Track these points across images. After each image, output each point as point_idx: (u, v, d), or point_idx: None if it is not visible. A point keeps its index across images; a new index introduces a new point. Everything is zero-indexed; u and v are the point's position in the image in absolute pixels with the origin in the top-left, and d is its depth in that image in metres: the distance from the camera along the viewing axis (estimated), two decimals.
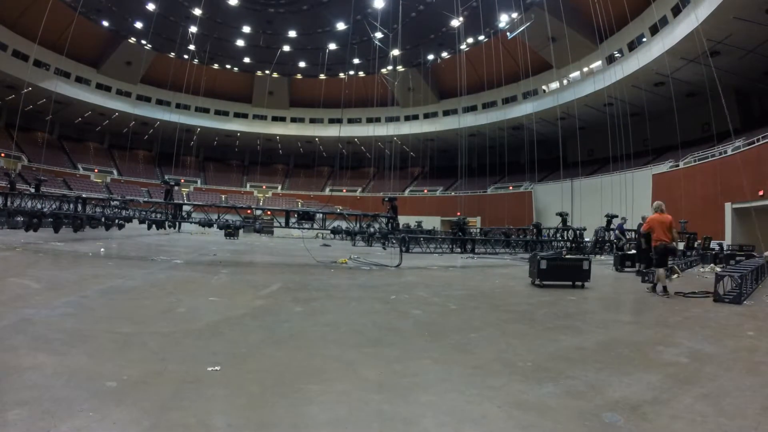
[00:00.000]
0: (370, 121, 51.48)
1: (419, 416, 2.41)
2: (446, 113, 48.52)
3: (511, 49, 36.60)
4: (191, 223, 13.17)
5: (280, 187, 56.90)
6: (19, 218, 19.75)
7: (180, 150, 47.55)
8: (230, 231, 20.70)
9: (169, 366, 3.05)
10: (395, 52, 38.90)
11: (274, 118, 54.83)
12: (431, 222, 39.61)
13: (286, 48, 44.54)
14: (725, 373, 3.37)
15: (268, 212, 27.47)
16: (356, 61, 43.44)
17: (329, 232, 15.13)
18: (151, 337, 3.76)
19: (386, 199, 13.25)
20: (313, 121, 54.68)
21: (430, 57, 44.34)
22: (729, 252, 17.24)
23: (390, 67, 44.16)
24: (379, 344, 3.98)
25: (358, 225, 14.43)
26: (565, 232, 18.69)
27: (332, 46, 43.32)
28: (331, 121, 52.55)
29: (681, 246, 19.61)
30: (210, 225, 12.70)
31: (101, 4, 36.58)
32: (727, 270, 8.62)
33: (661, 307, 6.68)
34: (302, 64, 48.16)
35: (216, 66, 48.20)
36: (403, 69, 45.61)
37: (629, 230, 17.89)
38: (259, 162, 57.17)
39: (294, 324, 4.66)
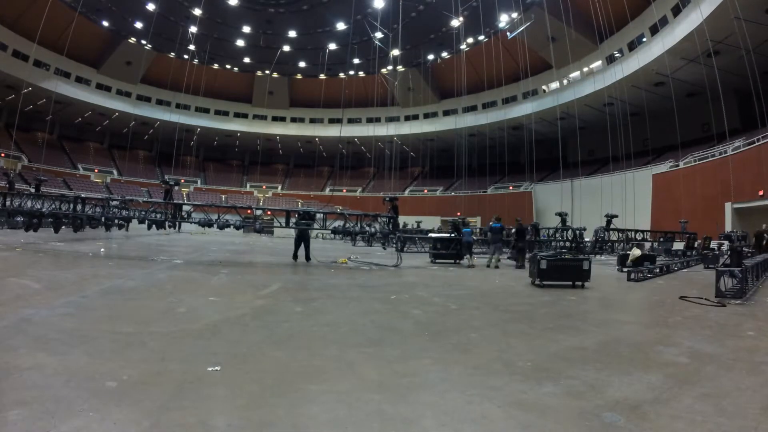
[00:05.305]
0: (370, 121, 51.43)
1: (419, 416, 2.41)
2: (446, 113, 48.48)
3: (511, 49, 36.57)
4: (191, 223, 13.17)
5: (280, 187, 56.85)
6: (19, 218, 19.75)
7: (180, 150, 47.52)
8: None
9: (169, 366, 3.05)
10: (395, 52, 38.86)
11: (274, 118, 54.78)
12: (431, 222, 39.55)
13: (286, 48, 44.48)
14: (725, 373, 3.37)
15: (269, 212, 27.46)
16: (356, 61, 43.37)
17: (330, 231, 15.09)
18: (151, 337, 3.76)
19: (387, 199, 13.25)
20: (313, 121, 54.64)
21: (430, 57, 44.27)
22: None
23: (390, 67, 44.11)
24: (379, 344, 3.97)
25: (358, 225, 14.42)
26: (565, 232, 18.67)
27: (332, 46, 43.26)
28: (331, 121, 52.49)
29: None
30: (210, 225, 12.69)
31: (101, 4, 36.52)
32: (727, 267, 8.57)
33: (661, 307, 6.68)
34: (302, 64, 48.09)
35: (216, 66, 48.13)
36: (403, 69, 45.56)
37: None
38: (259, 162, 57.10)
39: (294, 324, 4.66)
